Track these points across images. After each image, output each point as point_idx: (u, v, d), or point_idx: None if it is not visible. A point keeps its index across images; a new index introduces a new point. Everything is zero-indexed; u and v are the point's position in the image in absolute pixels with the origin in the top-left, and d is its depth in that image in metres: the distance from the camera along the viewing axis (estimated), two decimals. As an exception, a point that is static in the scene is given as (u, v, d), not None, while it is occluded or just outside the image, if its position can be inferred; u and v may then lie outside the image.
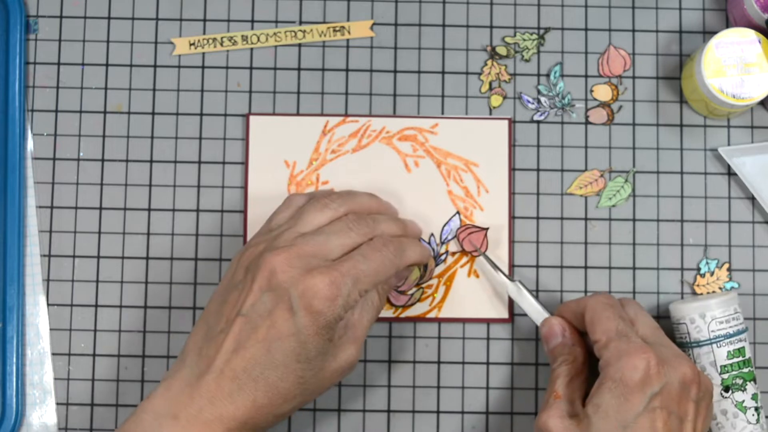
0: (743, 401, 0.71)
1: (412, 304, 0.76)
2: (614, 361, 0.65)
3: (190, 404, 0.63)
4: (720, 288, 0.76)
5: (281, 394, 0.64)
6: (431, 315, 0.76)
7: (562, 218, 0.77)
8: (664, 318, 0.76)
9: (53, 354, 0.75)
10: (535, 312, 0.73)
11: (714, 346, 0.71)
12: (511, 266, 0.76)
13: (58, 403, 0.75)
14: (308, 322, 0.63)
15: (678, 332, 0.73)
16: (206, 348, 0.64)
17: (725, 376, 0.70)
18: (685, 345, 0.72)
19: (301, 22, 0.78)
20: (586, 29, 0.78)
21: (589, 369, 0.70)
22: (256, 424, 0.64)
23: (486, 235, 0.76)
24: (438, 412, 0.76)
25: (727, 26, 0.78)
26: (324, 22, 0.78)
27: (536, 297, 0.73)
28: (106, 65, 0.78)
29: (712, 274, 0.76)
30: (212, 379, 0.63)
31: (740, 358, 0.71)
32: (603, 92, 0.78)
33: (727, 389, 0.71)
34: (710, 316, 0.71)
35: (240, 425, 0.63)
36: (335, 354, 0.66)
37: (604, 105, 0.78)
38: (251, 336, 0.63)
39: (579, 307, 0.70)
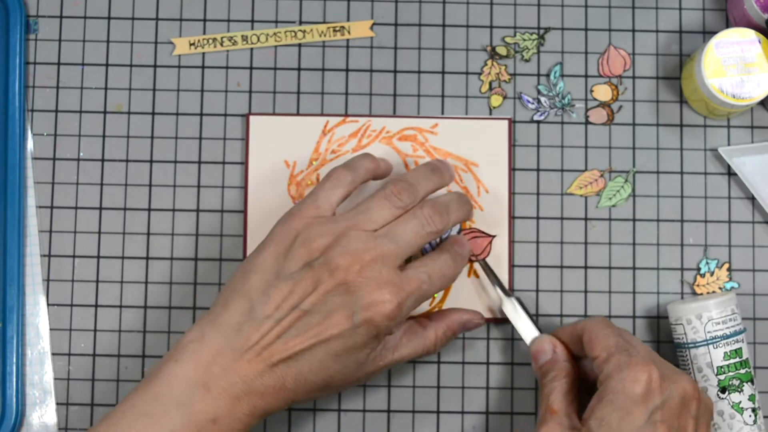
0: (740, 402, 0.70)
1: None
2: (616, 373, 0.64)
3: (222, 377, 0.63)
4: (720, 288, 0.76)
5: (306, 386, 0.65)
6: (431, 315, 0.76)
7: (562, 218, 0.77)
8: (664, 318, 0.76)
9: (53, 354, 0.75)
10: (527, 330, 0.73)
11: (710, 347, 0.71)
12: (511, 266, 0.76)
13: (58, 403, 0.75)
14: (363, 331, 0.64)
15: (675, 333, 0.72)
16: (248, 327, 0.64)
17: (722, 377, 0.70)
18: (681, 345, 0.72)
19: (301, 22, 0.78)
20: (586, 29, 0.78)
21: (581, 388, 0.70)
22: (277, 406, 0.65)
23: (491, 242, 0.76)
24: (438, 412, 0.76)
25: (727, 26, 0.78)
26: (324, 22, 0.78)
27: (530, 316, 0.73)
28: (106, 65, 0.78)
29: (712, 274, 0.76)
30: (248, 359, 0.64)
31: (737, 359, 0.71)
32: (603, 92, 0.78)
33: (723, 390, 0.70)
34: (707, 317, 0.71)
35: (265, 405, 0.64)
36: (365, 367, 0.67)
37: (604, 105, 0.78)
38: (302, 331, 0.64)
39: (576, 330, 0.70)
